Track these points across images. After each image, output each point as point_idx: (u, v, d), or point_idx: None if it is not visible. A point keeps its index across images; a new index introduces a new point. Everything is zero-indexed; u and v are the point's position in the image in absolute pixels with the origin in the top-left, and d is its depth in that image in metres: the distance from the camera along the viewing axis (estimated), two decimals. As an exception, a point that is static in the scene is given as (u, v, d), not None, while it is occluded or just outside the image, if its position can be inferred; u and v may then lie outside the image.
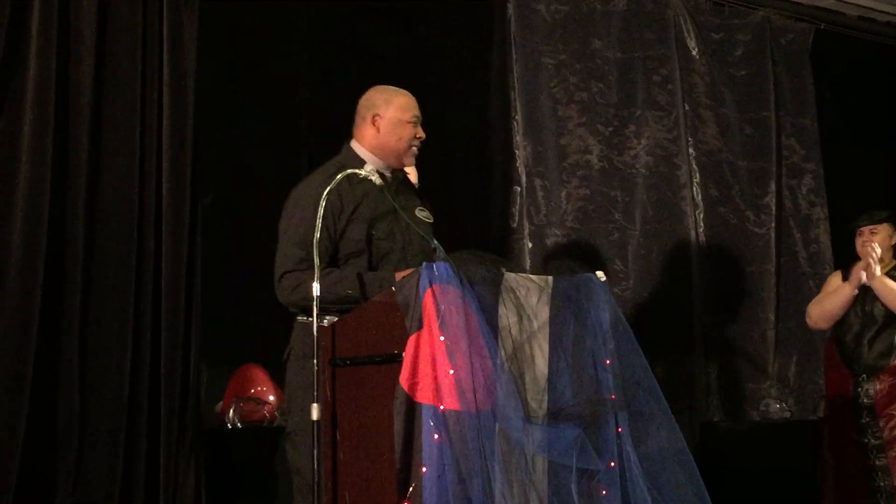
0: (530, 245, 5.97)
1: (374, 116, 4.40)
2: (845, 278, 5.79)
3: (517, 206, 6.07)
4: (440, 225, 4.95)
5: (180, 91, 5.03)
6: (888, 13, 7.25)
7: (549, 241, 6.09)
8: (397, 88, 4.50)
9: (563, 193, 6.20)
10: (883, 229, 5.82)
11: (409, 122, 4.41)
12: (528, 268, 5.80)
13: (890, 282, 5.61)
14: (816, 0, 7.10)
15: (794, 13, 7.08)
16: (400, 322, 3.60)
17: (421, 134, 4.44)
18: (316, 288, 3.81)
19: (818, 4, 7.13)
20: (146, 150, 4.93)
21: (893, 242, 5.78)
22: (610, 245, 6.28)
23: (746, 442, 5.76)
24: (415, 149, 4.45)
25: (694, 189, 6.49)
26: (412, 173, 4.68)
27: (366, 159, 4.38)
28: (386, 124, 4.39)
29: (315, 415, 3.70)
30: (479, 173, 6.25)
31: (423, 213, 4.56)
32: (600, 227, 6.26)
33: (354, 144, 4.45)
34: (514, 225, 6.08)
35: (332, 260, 4.23)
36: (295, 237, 4.22)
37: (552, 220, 6.11)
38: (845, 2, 7.18)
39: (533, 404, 3.64)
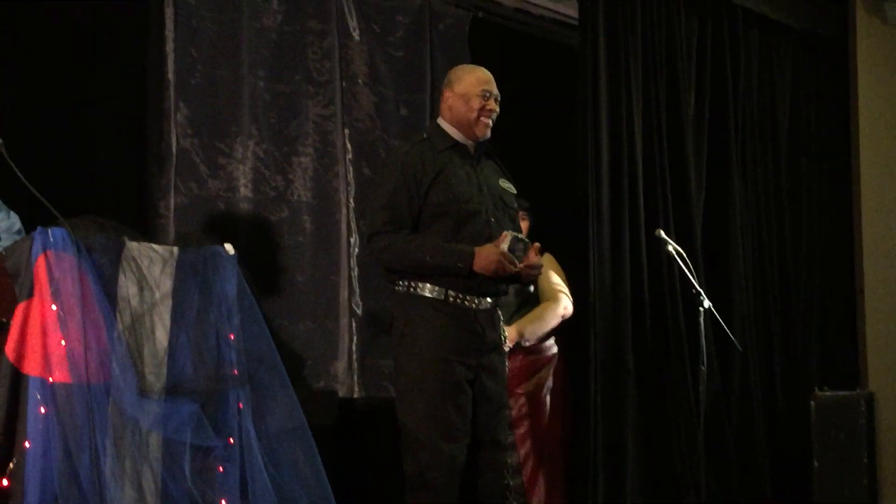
0: (175, 215, 5.80)
1: (447, 92, 4.95)
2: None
3: (167, 173, 5.88)
4: (82, 193, 4.75)
5: None
6: (541, 6, 7.49)
7: (199, 212, 5.94)
8: (473, 66, 5.11)
9: (216, 163, 6.07)
10: (525, 217, 6.09)
11: (478, 96, 4.87)
12: (171, 239, 5.64)
13: None
14: (475, -12, 7.25)
15: (453, 0, 7.18)
16: (10, 288, 3.43)
17: (491, 106, 4.89)
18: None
19: (477, -8, 7.28)
20: None
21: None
22: (261, 220, 6.20)
23: (383, 419, 5.82)
24: (486, 120, 4.88)
25: (346, 167, 6.50)
26: None
27: (448, 132, 4.91)
28: (456, 98, 4.90)
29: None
30: (136, 135, 6.00)
31: (505, 184, 5.04)
32: (252, 199, 6.17)
33: (439, 119, 4.98)
34: (163, 192, 5.88)
35: (416, 222, 4.73)
36: (381, 200, 4.73)
37: (201, 190, 5.96)
38: (503, -9, 7.36)
39: (150, 378, 3.57)
